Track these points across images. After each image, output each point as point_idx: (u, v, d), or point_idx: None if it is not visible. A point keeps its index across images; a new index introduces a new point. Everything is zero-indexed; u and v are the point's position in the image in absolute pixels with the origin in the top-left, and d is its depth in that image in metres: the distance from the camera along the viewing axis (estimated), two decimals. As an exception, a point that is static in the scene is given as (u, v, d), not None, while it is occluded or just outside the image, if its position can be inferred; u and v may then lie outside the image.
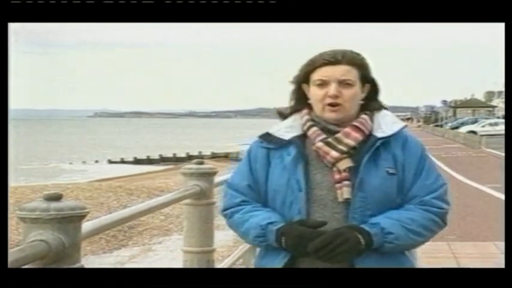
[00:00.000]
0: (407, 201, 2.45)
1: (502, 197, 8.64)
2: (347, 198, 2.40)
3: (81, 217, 2.32)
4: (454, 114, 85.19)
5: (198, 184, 4.33)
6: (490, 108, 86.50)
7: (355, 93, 2.47)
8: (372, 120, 2.50)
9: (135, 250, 12.02)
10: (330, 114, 2.45)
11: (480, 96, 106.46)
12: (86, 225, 2.53)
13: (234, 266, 4.94)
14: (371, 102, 2.53)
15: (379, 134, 2.46)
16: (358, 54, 2.51)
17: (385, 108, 2.56)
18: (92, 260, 10.87)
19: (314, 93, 2.48)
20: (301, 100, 2.54)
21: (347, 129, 2.45)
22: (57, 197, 2.26)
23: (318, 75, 2.46)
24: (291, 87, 2.56)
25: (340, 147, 2.43)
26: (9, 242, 2.41)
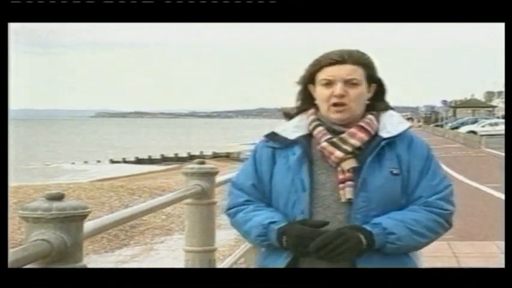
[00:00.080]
0: (412, 202, 2.43)
1: (502, 196, 8.64)
2: (349, 199, 2.38)
3: (83, 216, 2.33)
4: (454, 114, 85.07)
5: (200, 184, 4.33)
6: (490, 108, 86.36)
7: (361, 93, 2.45)
8: (378, 120, 2.48)
9: (136, 249, 12.03)
10: (335, 115, 2.43)
11: (480, 96, 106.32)
12: (88, 225, 2.53)
13: (235, 265, 4.95)
14: (377, 103, 2.50)
15: (384, 134, 2.44)
16: (364, 54, 2.49)
17: (392, 109, 2.54)
18: (94, 259, 10.88)
19: (320, 93, 2.46)
20: (307, 100, 2.52)
21: (352, 130, 2.43)
22: (59, 197, 2.27)
23: (323, 74, 2.44)
24: (297, 87, 2.54)
25: (345, 147, 2.41)
26: (12, 242, 2.42)
